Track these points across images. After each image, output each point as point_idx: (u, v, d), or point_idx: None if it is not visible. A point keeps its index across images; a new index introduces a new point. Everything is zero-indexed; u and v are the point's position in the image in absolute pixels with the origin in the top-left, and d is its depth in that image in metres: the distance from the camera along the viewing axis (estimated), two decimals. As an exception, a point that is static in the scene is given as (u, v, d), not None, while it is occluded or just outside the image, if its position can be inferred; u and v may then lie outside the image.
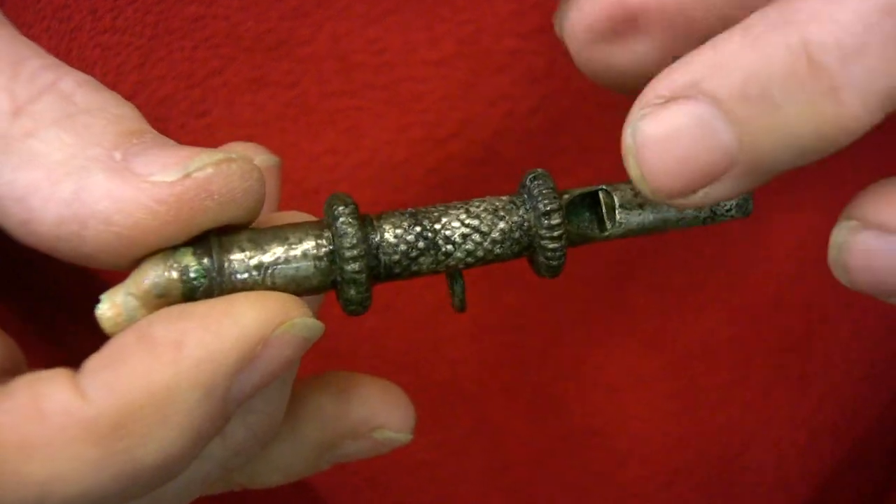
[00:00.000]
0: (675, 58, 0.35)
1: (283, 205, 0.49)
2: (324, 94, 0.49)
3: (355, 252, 0.36)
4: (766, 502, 0.57)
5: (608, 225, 0.38)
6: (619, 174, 0.51)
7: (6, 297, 0.52)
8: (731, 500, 0.56)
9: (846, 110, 0.32)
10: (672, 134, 0.34)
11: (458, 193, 0.50)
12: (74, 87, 0.35)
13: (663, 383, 0.55)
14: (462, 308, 0.39)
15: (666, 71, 0.34)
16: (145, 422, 0.32)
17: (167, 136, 0.41)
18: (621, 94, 0.39)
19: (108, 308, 0.34)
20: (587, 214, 0.39)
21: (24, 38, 0.36)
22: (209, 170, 0.34)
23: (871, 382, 0.56)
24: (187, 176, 0.33)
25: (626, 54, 0.38)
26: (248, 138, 0.48)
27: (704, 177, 0.34)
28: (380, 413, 0.42)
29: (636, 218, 0.38)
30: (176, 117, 0.48)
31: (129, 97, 0.47)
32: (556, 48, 0.49)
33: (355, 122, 0.49)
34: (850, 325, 0.55)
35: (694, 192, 0.34)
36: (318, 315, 0.41)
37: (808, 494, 0.57)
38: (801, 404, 0.56)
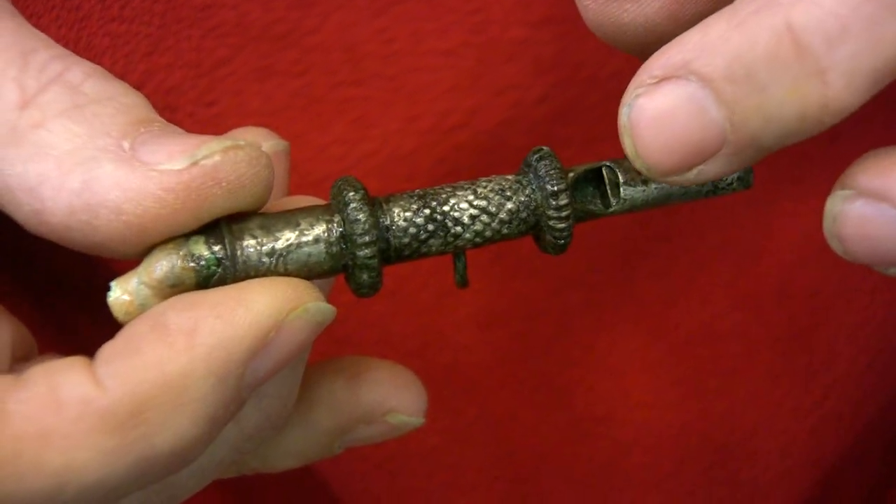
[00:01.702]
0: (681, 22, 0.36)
1: (291, 194, 0.49)
2: (332, 84, 0.49)
3: (367, 238, 0.36)
4: (770, 490, 0.57)
5: (612, 201, 0.38)
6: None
7: (17, 284, 0.52)
8: (737, 489, 0.57)
9: (831, 92, 0.33)
10: (666, 112, 0.34)
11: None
12: (83, 77, 0.35)
13: (669, 371, 0.55)
14: (464, 284, 0.39)
15: (660, 51, 0.35)
16: (160, 409, 0.32)
17: (176, 125, 0.41)
18: (630, 54, 0.39)
19: (121, 296, 0.35)
20: (590, 189, 0.39)
21: (34, 29, 0.36)
22: (217, 157, 0.34)
23: (876, 372, 0.56)
24: (195, 164, 0.34)
25: (636, 11, 0.38)
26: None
27: (697, 155, 0.34)
28: (392, 397, 0.43)
29: (640, 193, 0.38)
30: (184, 106, 0.48)
31: (138, 86, 0.48)
32: (564, 38, 0.49)
33: (363, 112, 0.49)
34: (854, 314, 0.55)
35: (688, 169, 0.35)
36: (329, 298, 0.41)
37: (812, 483, 0.58)
38: (807, 393, 0.56)
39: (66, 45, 0.46)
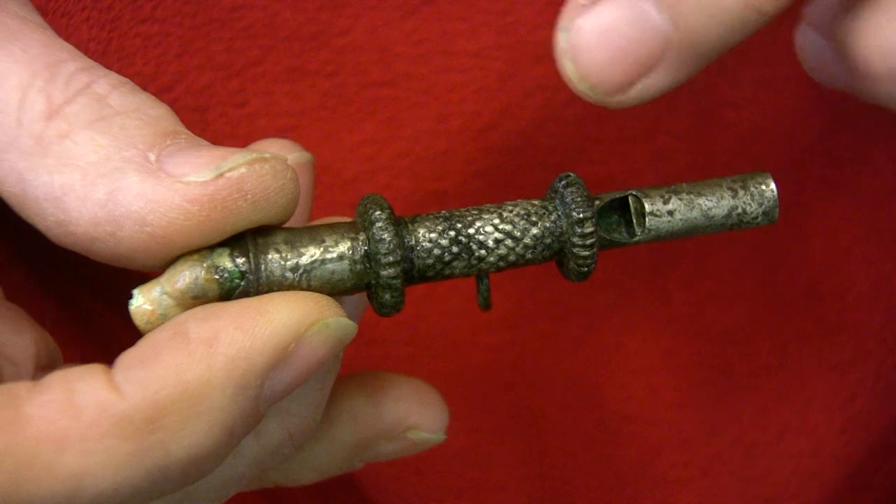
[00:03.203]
0: None
1: (320, 194, 0.49)
2: (362, 85, 0.49)
3: (391, 258, 0.36)
4: (800, 489, 0.57)
5: (637, 231, 0.38)
6: (653, 166, 0.51)
7: (43, 287, 0.52)
8: (767, 487, 0.57)
9: None
10: (607, 25, 0.34)
11: (495, 183, 0.50)
12: (109, 89, 0.35)
13: (698, 370, 0.55)
14: (487, 307, 0.39)
15: None
16: (178, 417, 0.32)
17: (207, 125, 0.41)
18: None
19: (142, 305, 0.35)
20: (615, 217, 0.39)
21: (61, 40, 0.36)
22: (242, 169, 0.34)
23: None
24: (220, 176, 0.33)
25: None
26: (287, 128, 0.49)
27: (641, 65, 0.35)
28: (413, 413, 0.43)
29: (665, 225, 0.38)
30: (215, 107, 0.48)
31: (169, 87, 0.48)
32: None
33: (394, 112, 0.49)
34: (882, 313, 0.55)
35: (632, 84, 0.35)
36: (364, 315, 0.41)
37: (841, 481, 0.57)
38: (837, 392, 0.56)
39: (96, 46, 0.46)
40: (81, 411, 0.32)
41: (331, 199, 0.48)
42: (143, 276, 0.39)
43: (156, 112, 0.35)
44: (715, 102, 0.50)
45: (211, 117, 0.48)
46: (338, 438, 0.42)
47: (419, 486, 0.55)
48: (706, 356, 0.55)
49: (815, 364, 0.56)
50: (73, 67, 0.35)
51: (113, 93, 0.35)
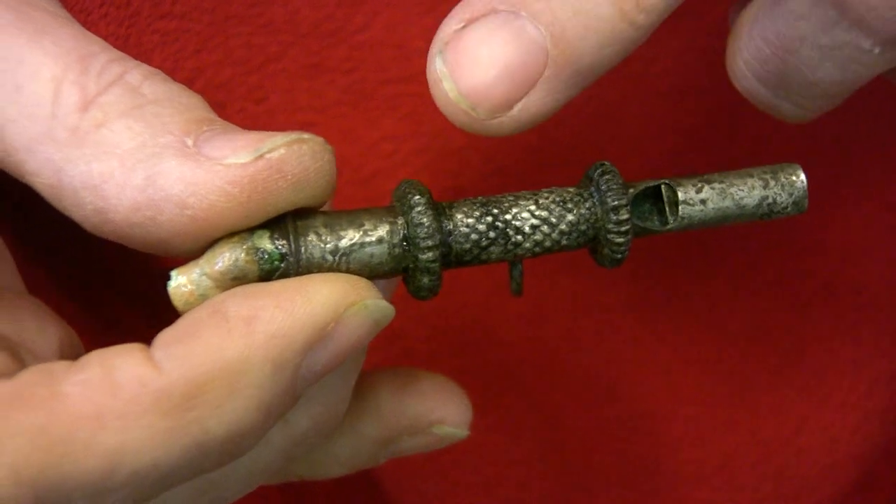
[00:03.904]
0: None
1: (341, 191, 0.49)
2: (381, 81, 0.49)
3: (430, 242, 0.36)
4: (816, 485, 0.57)
5: (670, 219, 0.39)
6: (673, 163, 0.51)
7: (64, 287, 0.52)
8: (783, 483, 0.57)
9: None
10: (482, 44, 0.35)
11: (513, 179, 0.50)
12: (142, 79, 0.35)
13: (715, 367, 0.55)
14: (519, 292, 0.39)
15: (459, 5, 0.35)
16: (216, 393, 0.32)
17: (225, 120, 0.41)
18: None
19: (181, 286, 0.35)
20: (646, 206, 0.39)
21: (91, 34, 0.36)
22: (281, 150, 0.34)
23: None
24: (260, 157, 0.34)
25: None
26: (306, 124, 0.49)
27: (522, 82, 0.35)
28: (438, 408, 0.43)
29: (698, 213, 0.39)
30: (234, 103, 0.48)
31: (187, 83, 0.48)
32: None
33: (413, 108, 0.49)
34: None
35: (513, 104, 0.35)
36: (391, 299, 0.41)
37: (856, 477, 0.58)
38: (852, 389, 0.56)
39: (115, 42, 0.46)
40: (120, 388, 0.32)
41: (350, 196, 0.48)
42: (162, 280, 0.39)
43: (189, 100, 0.35)
44: (729, 101, 0.50)
45: (229, 113, 0.48)
46: (363, 433, 0.42)
47: (437, 482, 0.55)
48: (723, 353, 0.55)
49: (831, 362, 0.56)
50: (104, 59, 0.35)
51: (145, 83, 0.35)
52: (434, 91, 0.36)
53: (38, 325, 0.39)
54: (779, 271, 0.54)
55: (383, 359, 0.51)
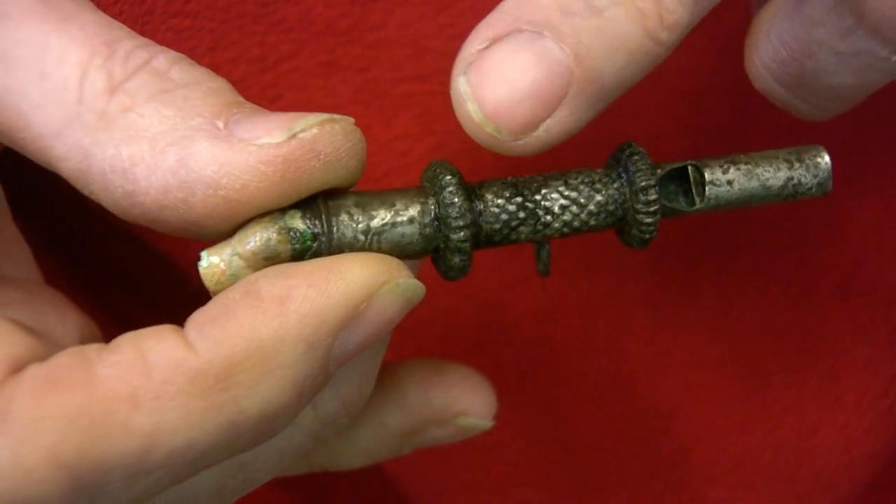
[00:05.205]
0: None
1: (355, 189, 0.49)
2: (395, 79, 0.49)
3: (461, 222, 0.37)
4: (830, 485, 0.57)
5: (697, 200, 0.39)
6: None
7: (77, 278, 0.52)
8: (797, 483, 0.57)
9: (666, 2, 0.34)
10: (507, 64, 0.35)
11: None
12: (169, 64, 0.35)
13: (729, 366, 0.55)
14: (546, 273, 0.40)
15: (482, 23, 0.35)
16: (250, 373, 0.32)
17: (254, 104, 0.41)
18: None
19: (213, 266, 0.35)
20: (672, 187, 0.39)
21: (116, 21, 0.36)
22: (314, 130, 0.34)
23: None
24: (293, 137, 0.34)
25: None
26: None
27: (546, 103, 0.35)
28: (462, 399, 0.43)
29: (724, 193, 0.39)
30: (248, 100, 0.48)
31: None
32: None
33: (427, 107, 0.49)
34: None
35: (537, 125, 0.35)
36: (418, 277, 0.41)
37: (870, 477, 0.57)
38: (867, 389, 0.56)
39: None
40: (154, 369, 0.32)
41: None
42: (174, 265, 0.39)
43: (216, 84, 0.35)
44: (746, 101, 0.50)
45: None
46: (387, 423, 0.42)
47: (449, 480, 0.55)
48: (737, 353, 0.55)
49: (846, 362, 0.56)
50: (130, 45, 0.35)
51: (173, 67, 0.35)
52: (458, 112, 0.36)
53: (58, 315, 0.39)
54: (793, 271, 0.54)
55: (397, 357, 0.51)
